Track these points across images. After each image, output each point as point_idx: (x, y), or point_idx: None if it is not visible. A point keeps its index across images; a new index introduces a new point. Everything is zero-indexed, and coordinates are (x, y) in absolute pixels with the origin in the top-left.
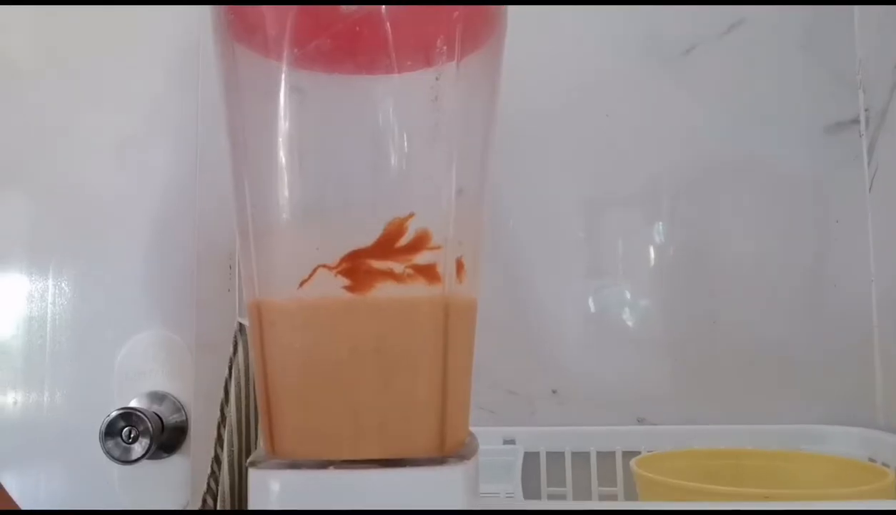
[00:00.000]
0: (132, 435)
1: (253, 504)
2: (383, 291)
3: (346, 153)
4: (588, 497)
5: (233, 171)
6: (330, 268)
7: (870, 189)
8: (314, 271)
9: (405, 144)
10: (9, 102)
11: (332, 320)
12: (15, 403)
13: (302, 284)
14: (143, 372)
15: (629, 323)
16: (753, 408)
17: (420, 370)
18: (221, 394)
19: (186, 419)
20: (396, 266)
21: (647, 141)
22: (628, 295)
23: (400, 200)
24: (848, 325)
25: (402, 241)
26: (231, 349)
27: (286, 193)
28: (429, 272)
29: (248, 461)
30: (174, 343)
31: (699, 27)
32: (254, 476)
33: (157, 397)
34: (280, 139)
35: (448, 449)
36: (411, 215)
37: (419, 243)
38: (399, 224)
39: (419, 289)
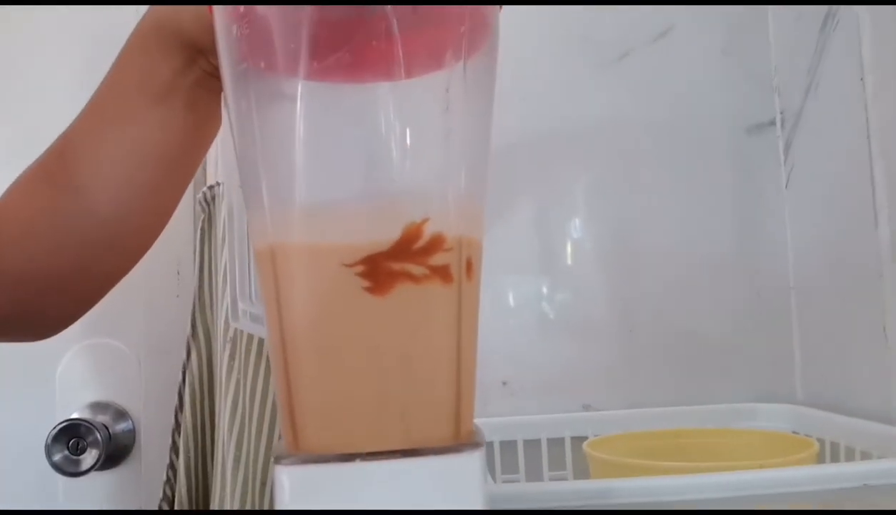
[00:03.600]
0: (80, 447)
1: (279, 501)
2: (403, 292)
3: (353, 158)
4: (540, 480)
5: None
6: (350, 265)
7: (786, 186)
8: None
9: (417, 148)
10: None
11: (354, 324)
12: None
13: None
14: (84, 383)
15: (570, 318)
16: (689, 391)
17: (438, 364)
18: (175, 401)
19: (133, 427)
20: (414, 268)
21: (573, 139)
22: (555, 289)
23: (414, 205)
24: (770, 310)
25: (419, 243)
26: (184, 355)
27: (298, 203)
28: (443, 273)
29: (273, 457)
30: (117, 351)
31: (632, 33)
32: (280, 472)
33: (101, 407)
34: (290, 148)
35: (462, 438)
36: (427, 220)
37: (435, 245)
38: (416, 229)
39: (435, 289)
